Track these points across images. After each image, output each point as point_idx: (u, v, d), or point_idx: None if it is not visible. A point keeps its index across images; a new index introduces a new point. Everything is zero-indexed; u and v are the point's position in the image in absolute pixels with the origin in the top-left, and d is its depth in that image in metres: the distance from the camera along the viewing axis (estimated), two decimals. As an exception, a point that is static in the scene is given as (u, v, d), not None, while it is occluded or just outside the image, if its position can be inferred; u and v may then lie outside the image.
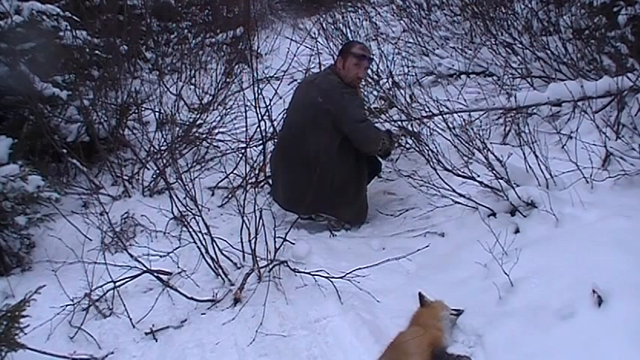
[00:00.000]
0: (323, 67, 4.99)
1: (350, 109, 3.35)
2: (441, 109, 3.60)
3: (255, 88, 4.15)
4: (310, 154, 3.31)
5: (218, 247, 2.94)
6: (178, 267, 3.06)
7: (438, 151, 3.31)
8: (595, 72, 3.85)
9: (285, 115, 3.78)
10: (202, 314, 2.71)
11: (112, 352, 2.52)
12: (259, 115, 4.10)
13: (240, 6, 7.73)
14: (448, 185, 3.17)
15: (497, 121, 3.97)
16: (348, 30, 6.06)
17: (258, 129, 4.18)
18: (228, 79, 5.77)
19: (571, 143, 3.10)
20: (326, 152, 3.28)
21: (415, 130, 3.73)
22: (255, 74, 4.29)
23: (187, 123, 4.62)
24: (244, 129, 4.25)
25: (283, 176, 3.53)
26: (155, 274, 2.94)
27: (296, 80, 5.30)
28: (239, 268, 2.97)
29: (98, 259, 2.97)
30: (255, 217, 2.91)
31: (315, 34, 5.89)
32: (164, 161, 4.08)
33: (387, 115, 4.21)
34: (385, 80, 4.81)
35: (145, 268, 2.92)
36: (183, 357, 2.44)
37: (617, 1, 3.70)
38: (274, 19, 9.87)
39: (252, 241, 2.88)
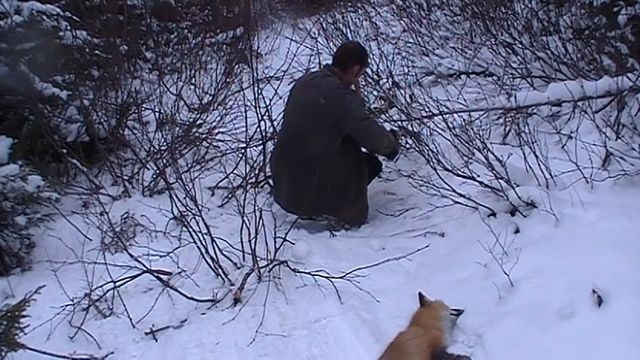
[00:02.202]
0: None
1: (352, 108, 3.35)
2: (441, 109, 3.60)
3: (255, 88, 4.15)
4: (311, 155, 3.29)
5: (218, 247, 2.94)
6: (178, 267, 3.06)
7: (438, 151, 3.31)
8: (595, 72, 3.85)
9: (283, 117, 3.75)
10: (202, 314, 2.71)
11: (112, 352, 2.52)
12: (259, 115, 4.10)
13: (240, 6, 7.73)
14: (448, 185, 3.17)
15: (497, 121, 3.97)
16: (348, 30, 6.05)
17: (258, 129, 4.18)
18: (228, 79, 5.77)
19: (571, 143, 3.09)
20: (327, 153, 3.28)
21: (415, 130, 3.73)
22: (255, 74, 4.29)
23: (187, 123, 4.62)
24: (244, 129, 4.25)
25: (285, 178, 3.52)
26: (155, 274, 2.94)
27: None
28: (239, 268, 2.97)
29: (98, 259, 2.97)
30: (255, 217, 2.91)
31: (315, 34, 5.89)
32: (164, 161, 4.08)
33: (387, 115, 4.22)
34: (385, 80, 4.81)
35: (145, 268, 2.92)
36: (183, 357, 2.44)
37: (617, 1, 3.70)
38: (274, 19, 9.87)
39: (252, 241, 2.88)
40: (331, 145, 3.34)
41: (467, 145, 3.24)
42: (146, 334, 2.60)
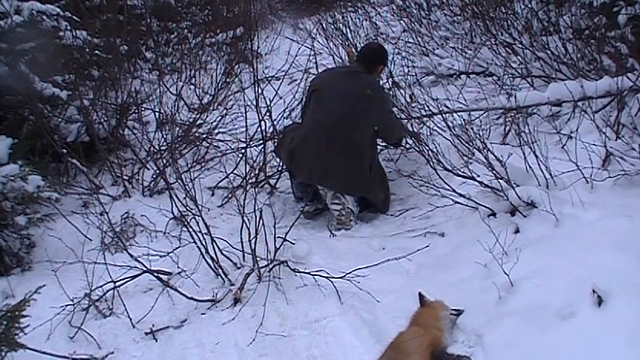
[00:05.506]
0: (323, 67, 5.00)
1: (388, 102, 3.80)
2: (441, 109, 3.60)
3: (256, 88, 4.14)
4: (359, 140, 3.57)
5: (218, 247, 2.94)
6: (178, 267, 3.06)
7: (438, 151, 3.32)
8: (595, 72, 3.85)
9: (316, 101, 3.69)
10: (202, 314, 2.72)
11: (112, 352, 2.52)
12: (260, 115, 4.10)
13: (240, 6, 7.73)
14: (448, 185, 3.17)
15: (497, 121, 3.97)
16: (348, 30, 6.06)
17: (259, 129, 4.18)
18: (228, 79, 5.77)
19: (571, 143, 3.10)
20: (370, 140, 3.63)
21: (415, 130, 3.73)
22: (255, 74, 4.29)
23: (187, 123, 4.62)
24: (244, 129, 4.25)
25: (323, 157, 3.38)
26: (155, 274, 2.94)
27: (295, 80, 5.30)
28: (239, 268, 2.97)
29: (98, 259, 2.97)
30: (255, 217, 2.91)
31: (314, 34, 5.89)
32: (164, 161, 4.07)
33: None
34: (385, 80, 4.81)
35: (145, 268, 2.92)
36: (183, 357, 2.44)
37: (617, 1, 3.70)
38: (274, 19, 9.87)
39: (252, 241, 2.88)
40: (371, 133, 3.64)
41: (467, 145, 3.24)
42: (146, 334, 2.60)
